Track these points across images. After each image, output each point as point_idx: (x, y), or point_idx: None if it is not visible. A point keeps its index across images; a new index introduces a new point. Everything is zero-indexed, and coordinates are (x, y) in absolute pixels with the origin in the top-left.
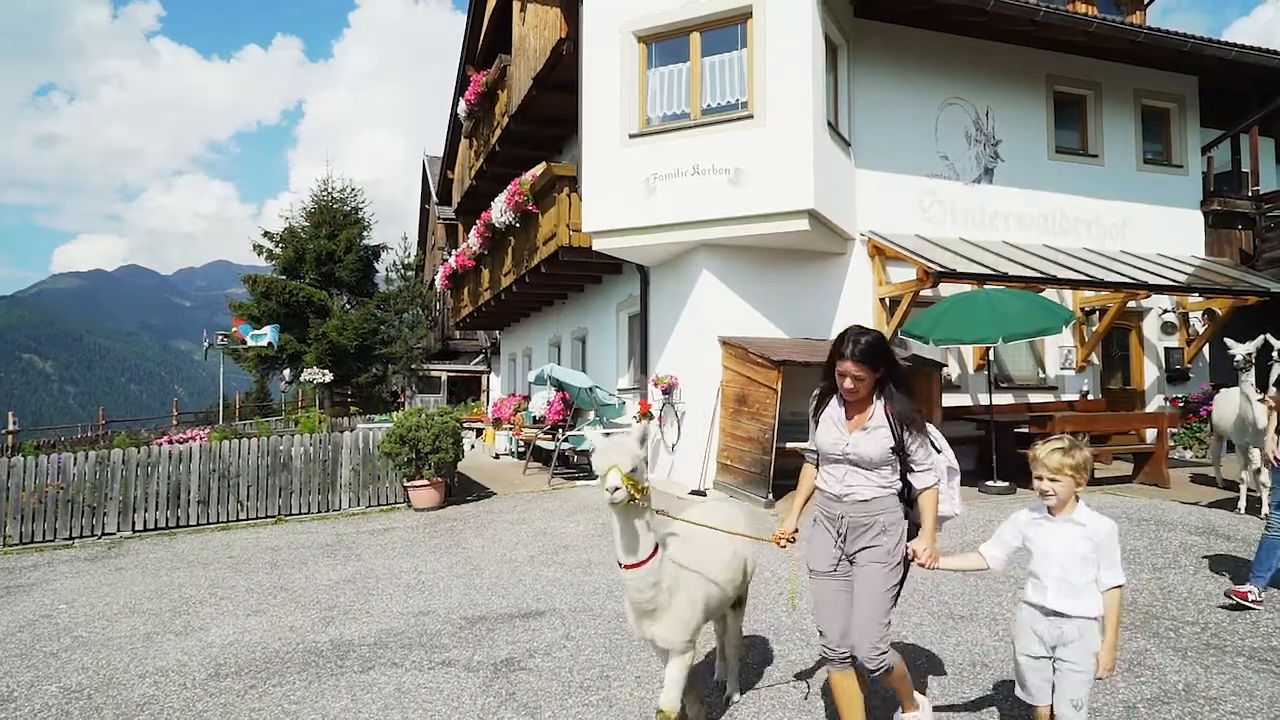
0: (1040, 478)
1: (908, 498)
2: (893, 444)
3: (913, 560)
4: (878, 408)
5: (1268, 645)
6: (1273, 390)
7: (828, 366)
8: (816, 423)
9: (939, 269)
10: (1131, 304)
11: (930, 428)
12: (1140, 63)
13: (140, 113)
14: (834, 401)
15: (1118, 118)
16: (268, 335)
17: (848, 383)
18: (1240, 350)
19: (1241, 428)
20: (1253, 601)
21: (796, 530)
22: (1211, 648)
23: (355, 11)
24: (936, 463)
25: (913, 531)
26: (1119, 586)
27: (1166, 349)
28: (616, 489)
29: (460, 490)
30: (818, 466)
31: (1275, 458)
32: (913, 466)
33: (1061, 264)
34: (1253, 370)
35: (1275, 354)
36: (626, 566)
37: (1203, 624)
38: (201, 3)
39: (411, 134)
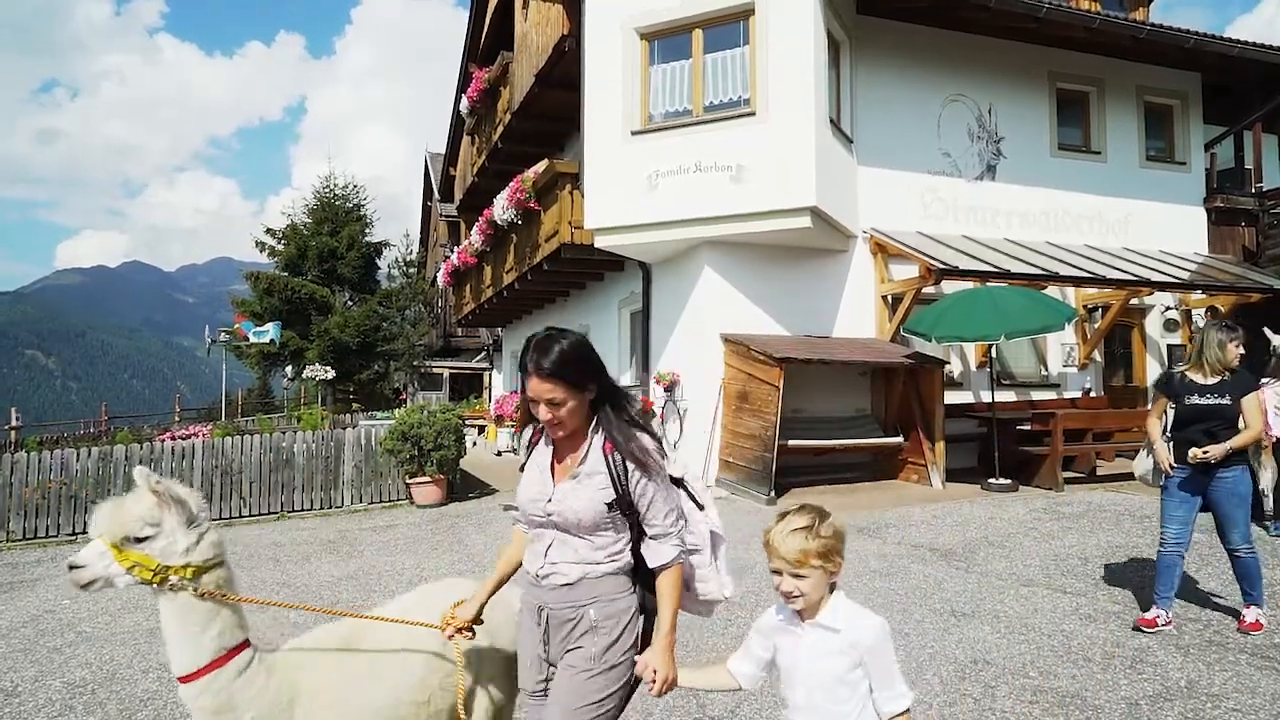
0: (778, 572)
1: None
2: (612, 497)
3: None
4: (594, 444)
5: (1270, 643)
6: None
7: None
8: (522, 471)
9: (941, 266)
10: (1134, 301)
11: (688, 474)
12: (1143, 59)
13: (142, 109)
14: (542, 442)
15: (1120, 114)
16: (270, 332)
17: (542, 410)
18: None
19: None
20: (1163, 625)
21: (478, 620)
22: (1214, 645)
23: (357, 8)
24: (693, 525)
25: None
26: (905, 713)
27: (1169, 346)
28: (76, 568)
29: (462, 487)
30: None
31: (1171, 466)
32: (645, 529)
33: (1064, 261)
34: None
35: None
36: (179, 679)
37: (1205, 621)
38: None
39: (413, 131)
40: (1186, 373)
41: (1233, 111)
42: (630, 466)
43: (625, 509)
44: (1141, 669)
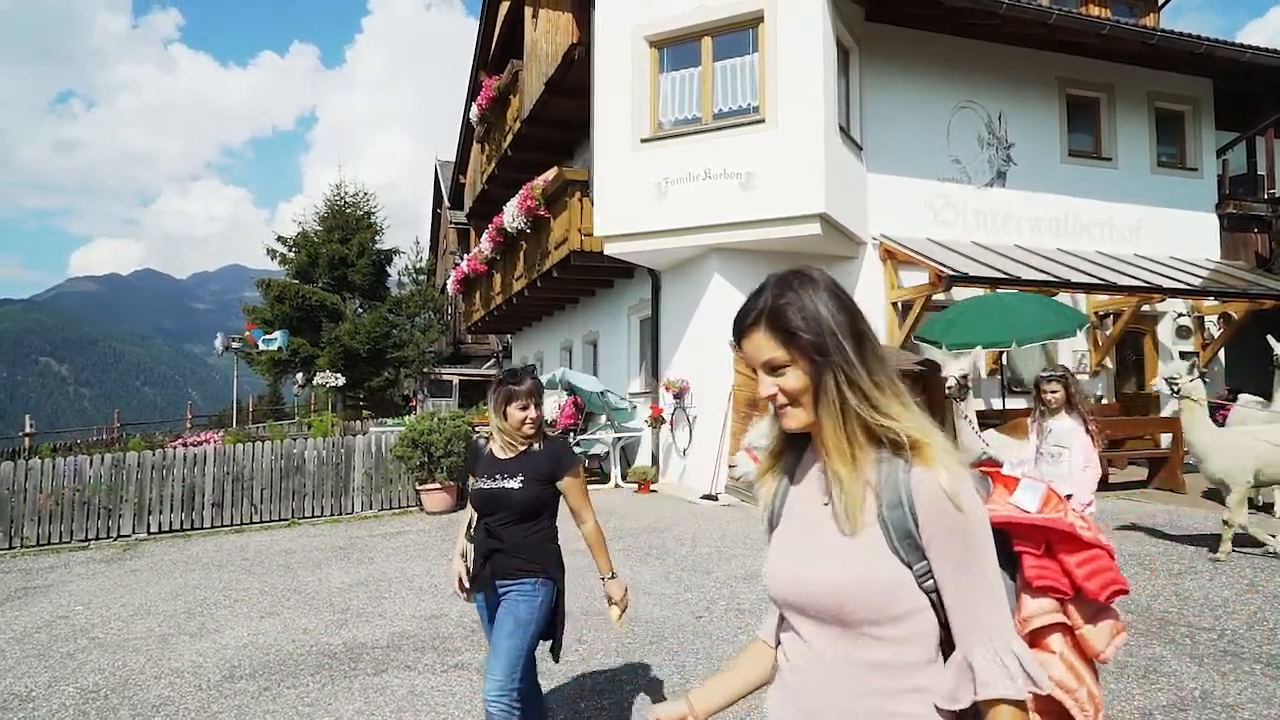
0: None
1: None
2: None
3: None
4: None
5: None
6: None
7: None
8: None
9: (951, 273)
10: (1146, 308)
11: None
12: (1154, 65)
13: (157, 119)
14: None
15: (1131, 120)
16: (278, 340)
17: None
18: None
19: None
20: None
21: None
22: (1229, 654)
23: (368, 17)
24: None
25: None
26: None
27: (1181, 353)
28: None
29: None
30: None
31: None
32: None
33: (1075, 267)
34: None
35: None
36: None
37: (1219, 630)
38: (221, 11)
39: (423, 139)
40: None
41: (1245, 117)
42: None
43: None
44: (1155, 679)
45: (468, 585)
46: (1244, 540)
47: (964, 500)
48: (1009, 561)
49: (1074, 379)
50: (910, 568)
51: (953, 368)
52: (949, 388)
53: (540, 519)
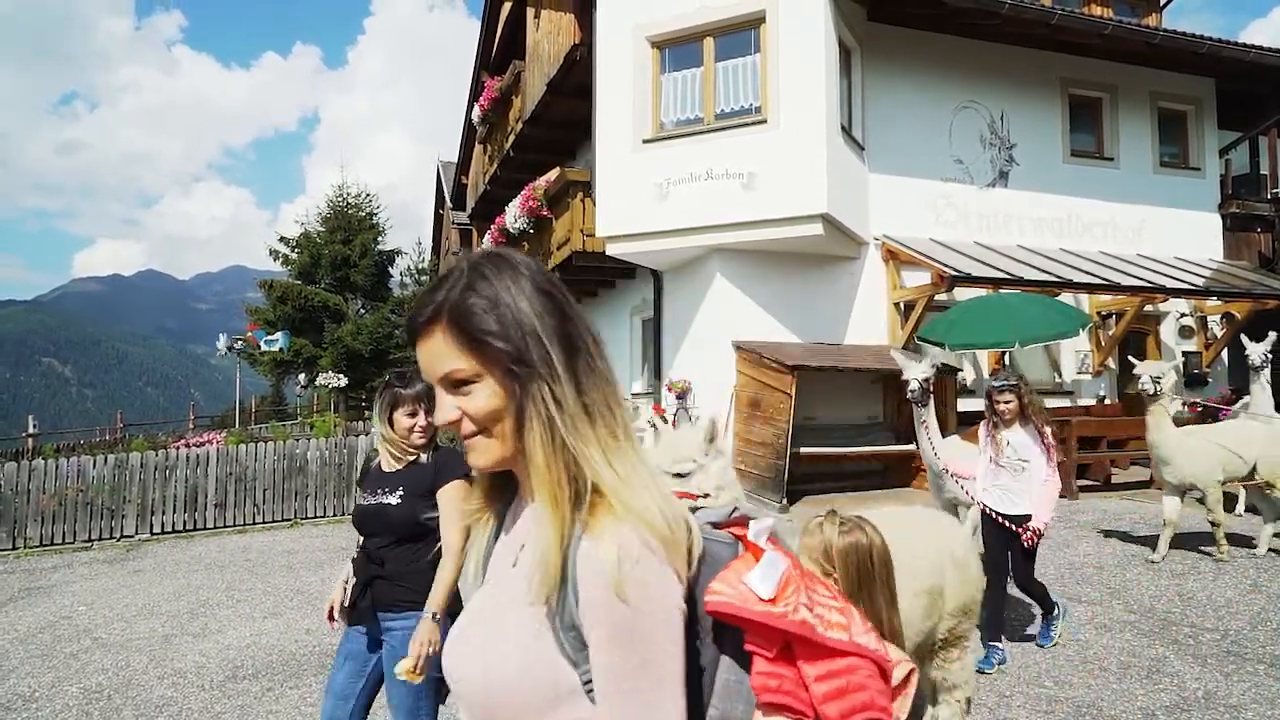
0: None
1: None
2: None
3: None
4: None
5: None
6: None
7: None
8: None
9: (954, 273)
10: (1149, 308)
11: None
12: (1156, 65)
13: (159, 120)
14: None
15: (1133, 120)
16: (279, 340)
17: None
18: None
19: None
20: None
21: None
22: (1232, 655)
23: (370, 18)
24: None
25: None
26: None
27: (1184, 353)
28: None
29: None
30: None
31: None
32: None
33: (1077, 267)
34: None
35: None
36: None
37: (1223, 631)
38: (223, 13)
39: (425, 139)
40: None
41: (1248, 117)
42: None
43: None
44: (1158, 679)
45: (338, 615)
46: (1234, 539)
47: (630, 589)
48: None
49: (1028, 388)
50: (577, 669)
51: (913, 370)
52: (910, 391)
53: (426, 540)
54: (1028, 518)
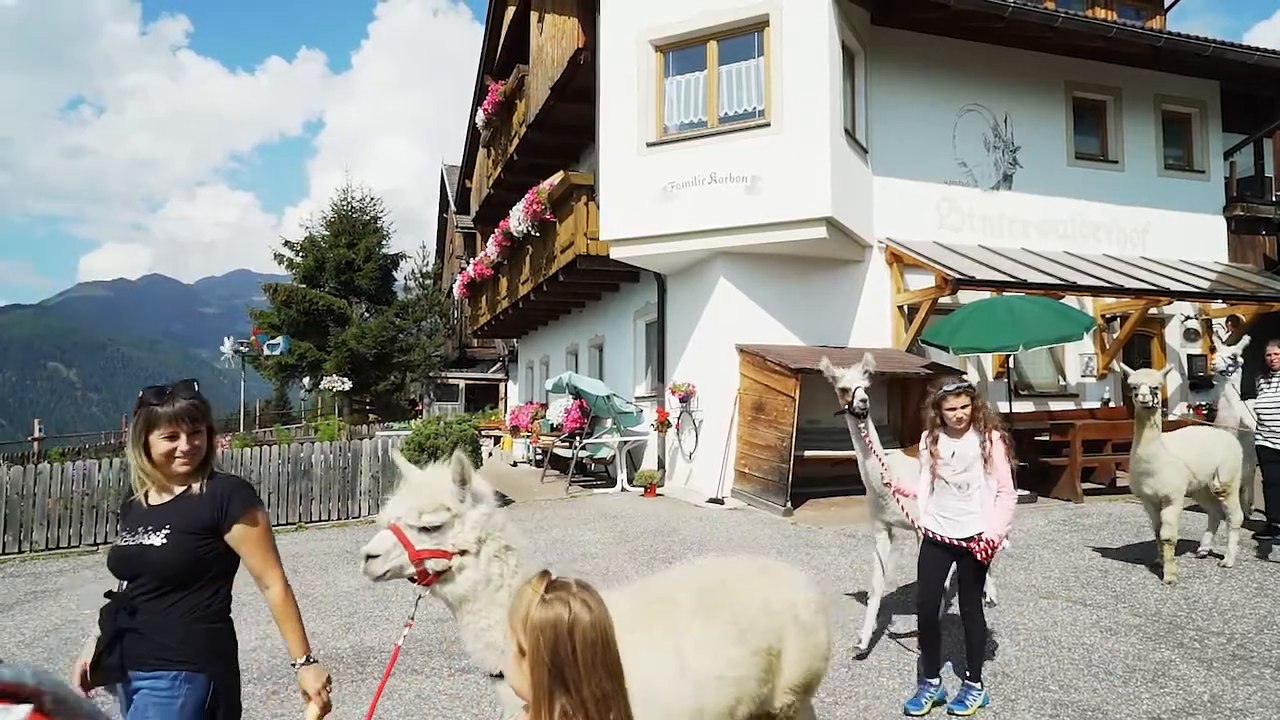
0: None
1: None
2: None
3: None
4: None
5: None
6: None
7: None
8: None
9: (958, 276)
10: (1153, 311)
11: None
12: (1160, 68)
13: (165, 125)
14: None
15: (1138, 123)
16: (280, 345)
17: None
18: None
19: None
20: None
21: None
22: (1238, 658)
23: (375, 23)
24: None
25: None
26: None
27: (1189, 356)
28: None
29: None
30: None
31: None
32: None
33: (1082, 270)
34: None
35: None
36: None
37: (1229, 634)
38: (229, 17)
39: (430, 144)
40: None
41: (1253, 119)
42: None
43: None
44: (1164, 683)
45: (87, 679)
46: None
47: None
48: None
49: (977, 393)
50: None
51: (850, 378)
52: (861, 401)
53: (194, 588)
54: (978, 536)
